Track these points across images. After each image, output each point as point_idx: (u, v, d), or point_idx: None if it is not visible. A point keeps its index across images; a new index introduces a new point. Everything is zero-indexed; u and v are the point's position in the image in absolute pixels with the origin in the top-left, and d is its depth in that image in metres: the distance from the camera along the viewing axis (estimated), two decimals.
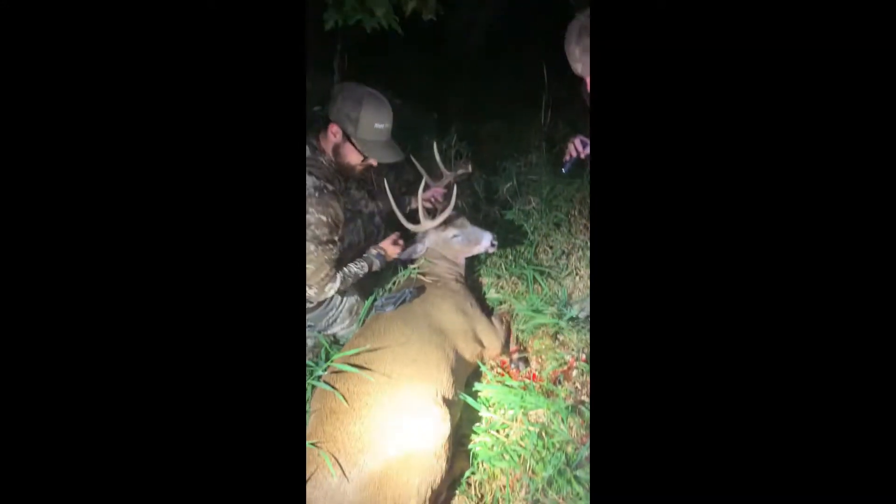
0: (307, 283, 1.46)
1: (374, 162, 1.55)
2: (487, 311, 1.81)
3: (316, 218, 1.40)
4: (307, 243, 1.42)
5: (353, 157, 1.53)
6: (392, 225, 1.92)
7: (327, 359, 1.42)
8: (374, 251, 1.65)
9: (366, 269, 1.61)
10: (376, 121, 1.48)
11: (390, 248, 1.69)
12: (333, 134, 1.49)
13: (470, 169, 1.91)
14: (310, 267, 1.44)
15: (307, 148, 1.48)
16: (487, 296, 1.95)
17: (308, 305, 1.54)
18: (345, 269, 1.55)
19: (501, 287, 1.99)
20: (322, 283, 1.48)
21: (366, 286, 1.72)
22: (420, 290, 1.62)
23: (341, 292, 1.56)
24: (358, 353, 1.34)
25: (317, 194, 1.40)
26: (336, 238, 1.47)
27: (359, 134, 1.47)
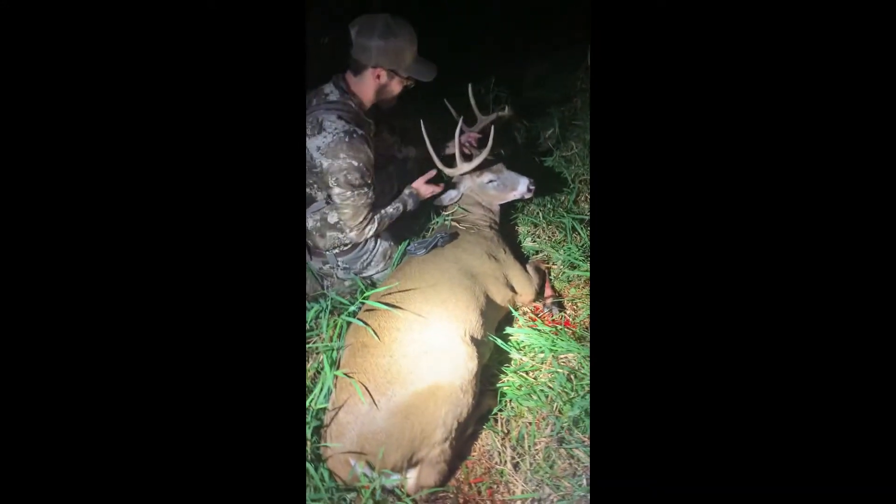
0: (347, 226, 1.51)
1: (411, 83, 1.54)
2: (522, 258, 1.80)
3: (348, 164, 1.41)
4: (342, 189, 1.44)
5: (396, 88, 1.53)
6: (426, 171, 1.92)
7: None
8: (407, 191, 1.67)
9: (400, 210, 1.63)
10: (413, 44, 1.46)
11: (423, 187, 1.70)
12: (377, 77, 1.47)
13: (507, 112, 1.84)
14: (347, 212, 1.48)
15: (335, 91, 1.48)
16: (523, 245, 1.93)
17: (343, 248, 1.60)
18: (382, 211, 1.58)
19: (538, 236, 1.96)
20: (361, 226, 1.52)
21: (399, 232, 1.74)
22: (453, 236, 1.62)
23: (378, 235, 1.60)
24: (390, 293, 1.38)
25: (347, 139, 1.41)
26: (369, 181, 1.49)
27: (404, 65, 1.47)
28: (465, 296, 1.41)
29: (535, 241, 1.94)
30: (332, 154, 1.41)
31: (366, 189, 1.48)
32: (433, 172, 1.71)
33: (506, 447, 1.29)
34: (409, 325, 1.30)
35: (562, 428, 1.29)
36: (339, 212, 1.49)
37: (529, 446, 1.29)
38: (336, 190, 1.45)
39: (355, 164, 1.42)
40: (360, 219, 1.51)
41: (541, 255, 1.90)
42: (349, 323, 1.38)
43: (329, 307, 1.48)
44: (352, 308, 1.44)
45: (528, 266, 1.73)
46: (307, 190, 1.51)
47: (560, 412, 1.33)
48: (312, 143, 1.43)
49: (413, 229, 1.82)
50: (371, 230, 1.55)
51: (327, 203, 1.51)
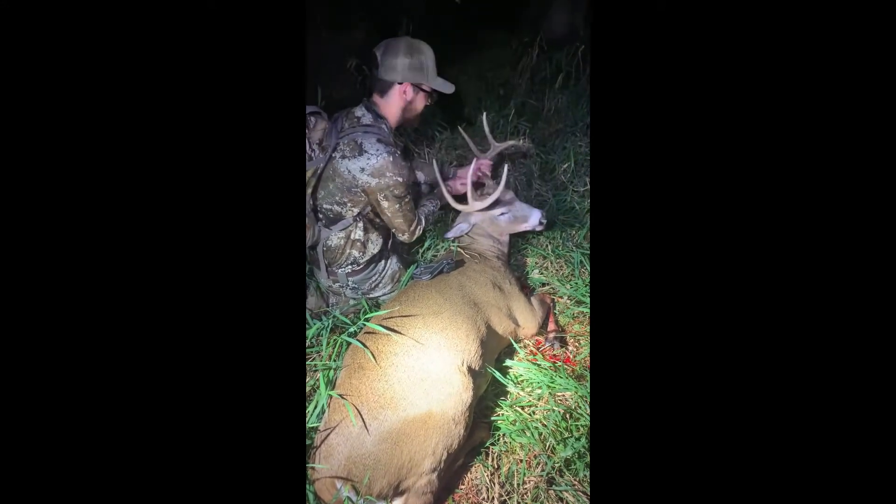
0: (402, 233, 1.65)
1: (431, 101, 1.65)
2: (527, 290, 1.79)
3: (394, 180, 1.51)
4: (391, 202, 1.55)
5: (420, 104, 1.62)
6: (437, 195, 1.95)
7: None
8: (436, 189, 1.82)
9: (438, 204, 1.79)
10: (433, 61, 1.56)
11: (458, 184, 1.84)
12: (404, 92, 1.56)
13: (522, 143, 1.88)
14: (399, 221, 1.62)
15: (368, 114, 1.54)
16: (530, 276, 1.93)
17: (356, 267, 1.63)
18: (421, 210, 1.71)
19: (546, 268, 1.96)
20: (413, 230, 1.66)
21: (408, 255, 1.77)
22: (459, 263, 1.64)
23: (426, 232, 1.75)
24: (392, 317, 1.39)
25: (391, 158, 1.49)
26: (408, 191, 1.59)
27: (429, 78, 1.56)
28: (465, 325, 1.41)
29: (542, 274, 1.94)
30: (378, 174, 1.49)
31: (408, 198, 1.59)
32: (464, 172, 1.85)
33: (494, 483, 1.28)
34: (407, 350, 1.30)
35: (552, 469, 1.27)
36: (393, 223, 1.62)
37: (518, 484, 1.27)
38: (385, 204, 1.56)
39: (400, 179, 1.52)
40: (409, 222, 1.64)
41: (546, 287, 1.90)
42: (349, 343, 1.39)
43: (330, 325, 1.50)
44: (352, 328, 1.45)
45: (532, 298, 1.73)
46: (338, 208, 1.55)
47: (553, 451, 1.31)
48: (354, 165, 1.49)
49: (421, 254, 1.84)
50: (421, 229, 1.69)
51: (354, 221, 1.56)
